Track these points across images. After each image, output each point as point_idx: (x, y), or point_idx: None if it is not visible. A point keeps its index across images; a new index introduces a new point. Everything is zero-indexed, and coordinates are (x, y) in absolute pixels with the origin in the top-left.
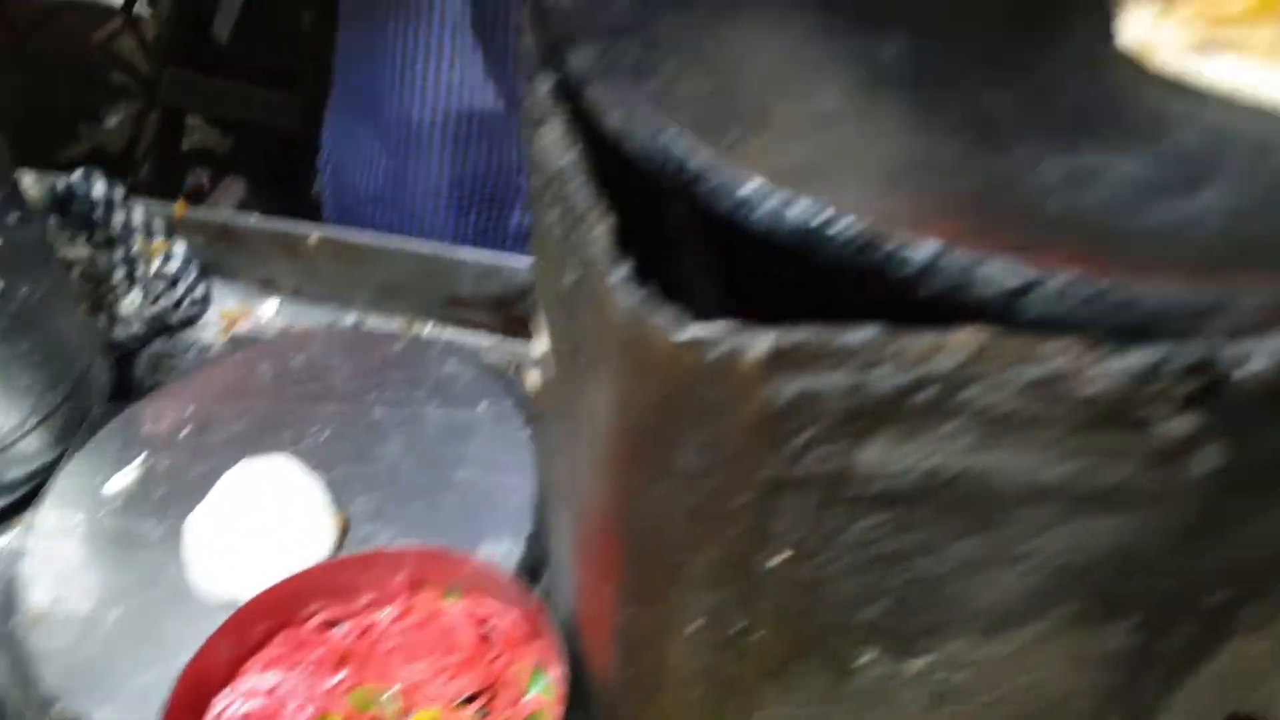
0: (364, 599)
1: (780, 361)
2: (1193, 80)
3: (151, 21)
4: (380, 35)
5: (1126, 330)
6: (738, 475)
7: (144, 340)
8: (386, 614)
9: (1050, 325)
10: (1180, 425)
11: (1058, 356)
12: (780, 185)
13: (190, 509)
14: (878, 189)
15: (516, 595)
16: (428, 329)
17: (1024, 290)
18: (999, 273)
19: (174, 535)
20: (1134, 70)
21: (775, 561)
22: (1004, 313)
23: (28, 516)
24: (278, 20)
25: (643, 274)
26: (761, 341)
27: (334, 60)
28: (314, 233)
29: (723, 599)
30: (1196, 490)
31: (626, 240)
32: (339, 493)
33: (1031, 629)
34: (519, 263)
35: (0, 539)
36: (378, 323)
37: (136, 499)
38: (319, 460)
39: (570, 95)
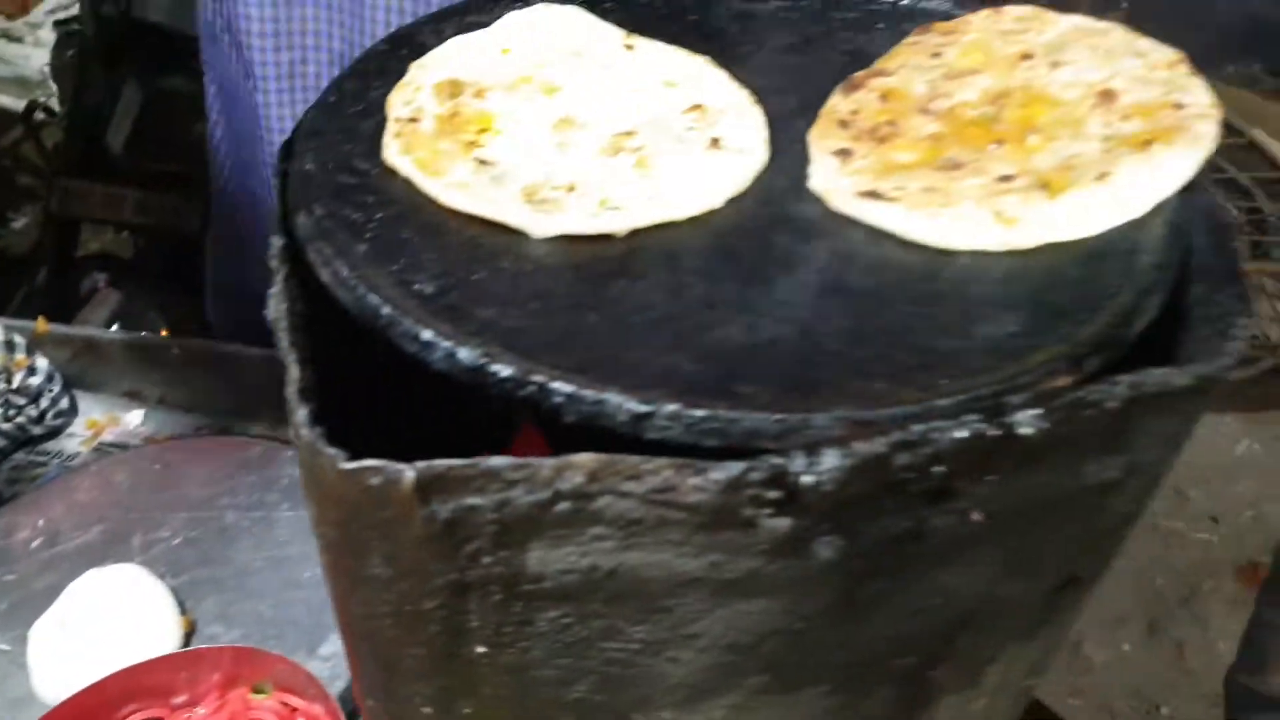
0: (180, 697)
1: (432, 486)
2: (862, 220)
3: (51, 127)
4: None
5: (729, 449)
6: (421, 581)
7: (5, 453)
8: (200, 711)
9: (671, 446)
10: (780, 523)
11: (659, 473)
12: (461, 336)
13: (36, 619)
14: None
15: (318, 692)
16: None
17: (642, 418)
18: (617, 405)
19: (20, 643)
20: (818, 209)
21: (477, 651)
22: (634, 436)
23: None
24: (171, 127)
25: (342, 410)
26: (409, 472)
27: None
28: (174, 345)
29: (443, 686)
30: (826, 576)
31: (336, 375)
32: (186, 596)
33: (728, 699)
34: None
35: None
36: (241, 428)
37: None
38: (168, 566)
39: (295, 252)
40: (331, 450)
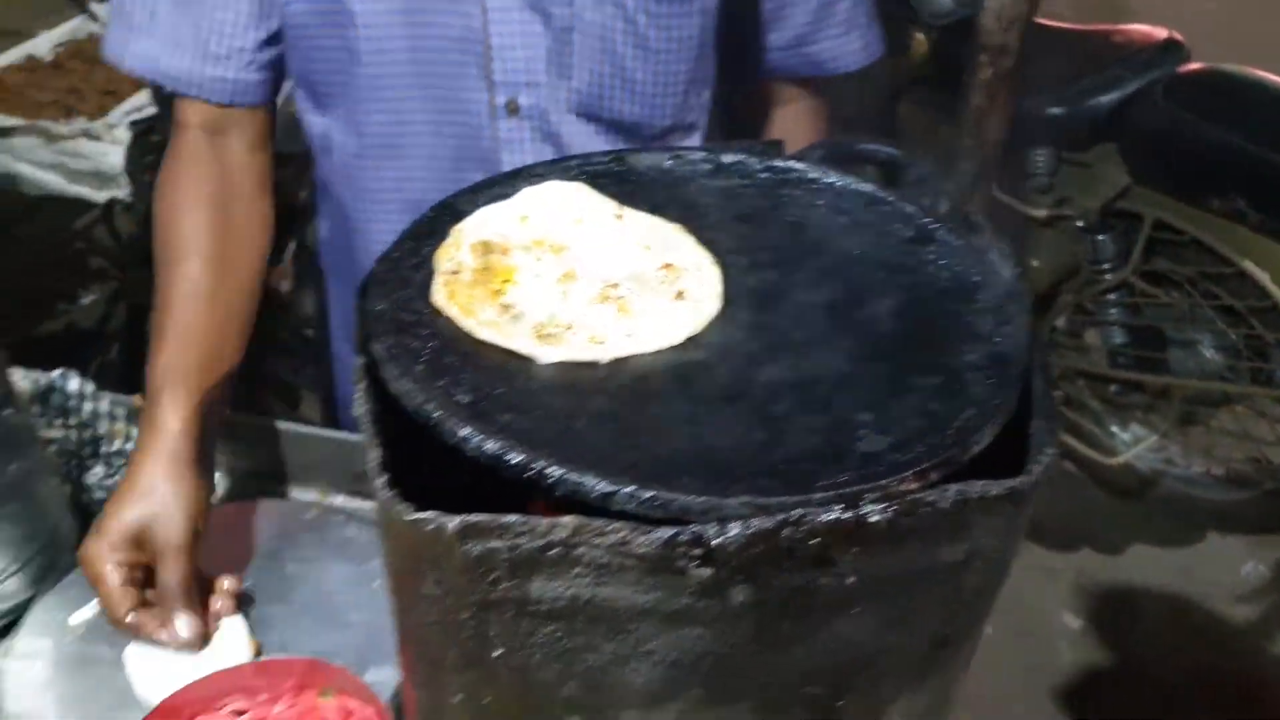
0: (262, 696)
1: (467, 532)
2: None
3: (125, 218)
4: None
5: (668, 517)
6: (459, 599)
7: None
8: (278, 707)
9: (629, 515)
10: (702, 572)
11: (619, 533)
12: (487, 435)
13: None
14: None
15: (371, 697)
16: (339, 500)
17: (609, 495)
18: (591, 485)
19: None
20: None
21: (495, 654)
22: (605, 506)
23: (6, 643)
24: None
25: (406, 477)
26: (453, 521)
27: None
28: (246, 422)
29: (470, 680)
30: (741, 614)
31: (406, 452)
32: (254, 628)
33: (676, 705)
34: None
35: None
36: (299, 494)
37: (94, 630)
38: (241, 602)
39: (372, 369)
40: (402, 505)
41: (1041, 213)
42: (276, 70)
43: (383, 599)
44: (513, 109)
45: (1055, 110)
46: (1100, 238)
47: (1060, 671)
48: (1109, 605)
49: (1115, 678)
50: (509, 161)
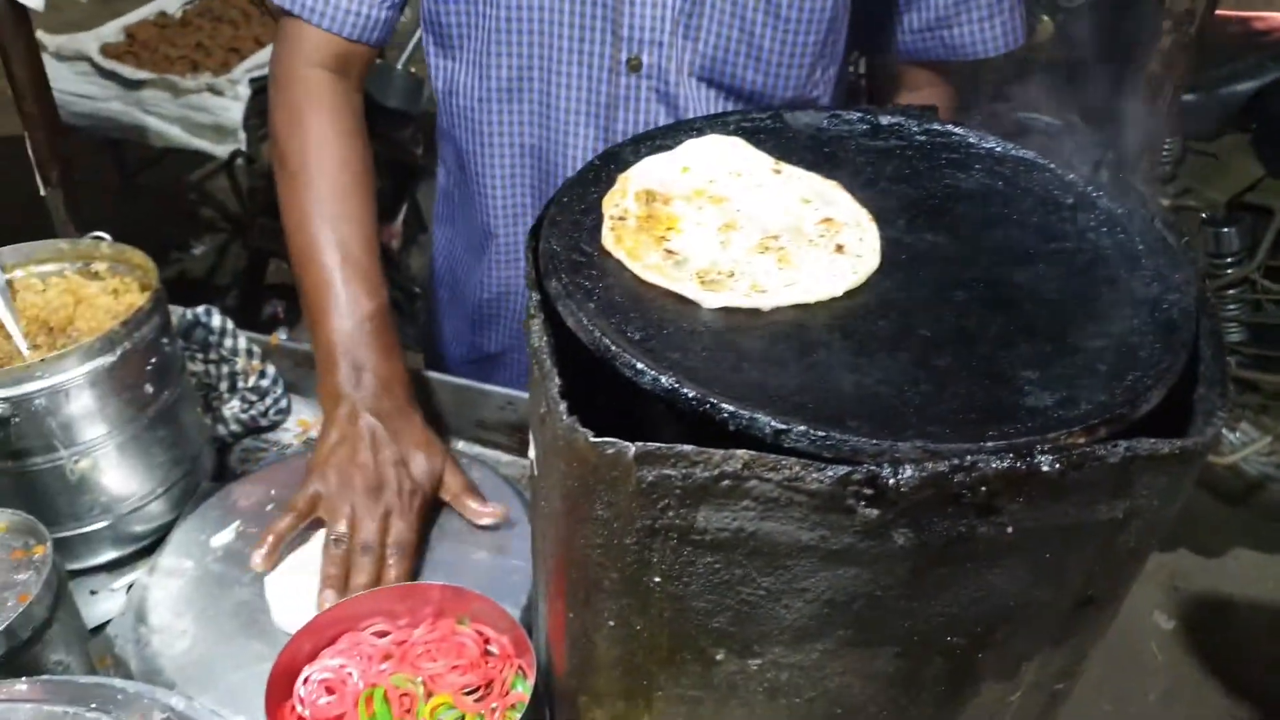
0: (403, 620)
1: (645, 458)
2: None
3: (245, 172)
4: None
5: (840, 457)
6: (627, 523)
7: (239, 436)
8: (419, 631)
9: (801, 452)
10: (871, 512)
11: (791, 468)
12: (661, 368)
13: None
14: (712, 379)
15: (508, 625)
16: (460, 445)
17: (781, 433)
18: (765, 422)
19: (258, 579)
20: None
21: (654, 581)
22: (777, 443)
23: (151, 560)
24: None
25: (581, 406)
26: (633, 447)
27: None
28: None
29: (625, 605)
30: (901, 557)
31: (578, 384)
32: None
33: (821, 644)
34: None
35: (132, 575)
36: None
37: (233, 552)
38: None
39: (549, 304)
40: (582, 429)
41: (1164, 202)
42: (398, 11)
43: (504, 539)
44: (634, 65)
45: (1188, 97)
46: (1225, 230)
47: (1149, 672)
48: (1203, 609)
49: (1205, 683)
50: (623, 119)
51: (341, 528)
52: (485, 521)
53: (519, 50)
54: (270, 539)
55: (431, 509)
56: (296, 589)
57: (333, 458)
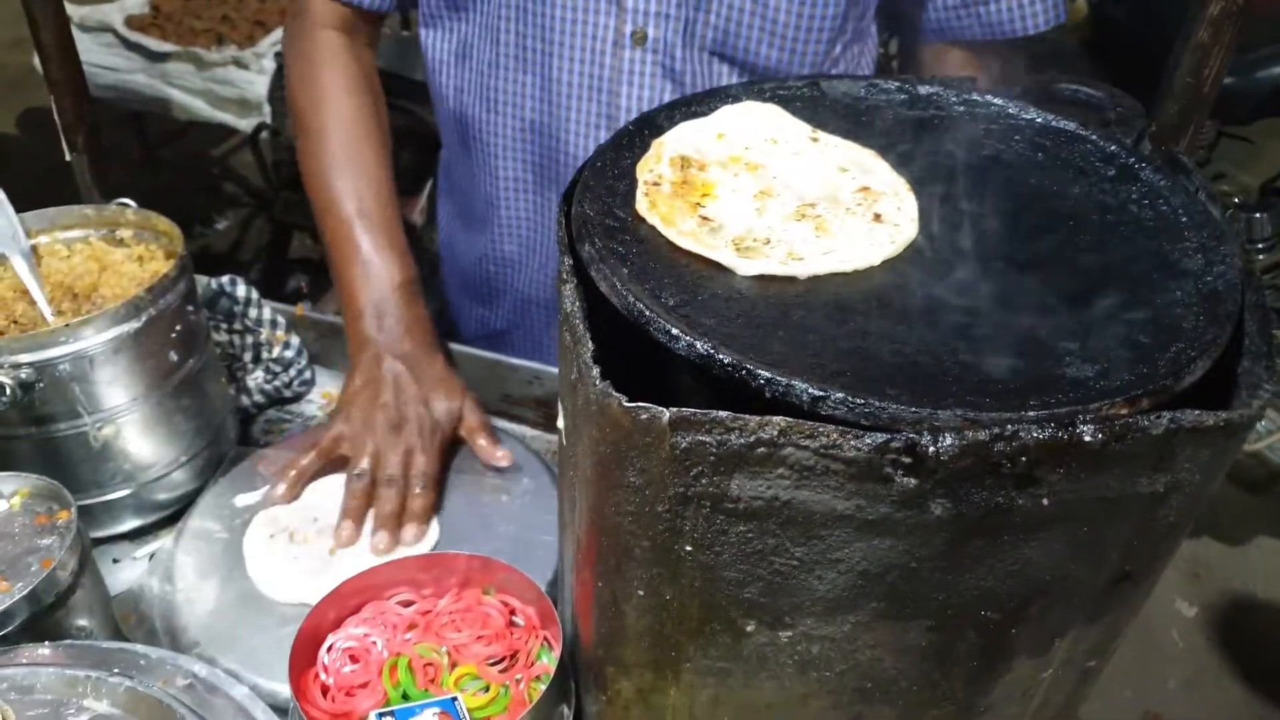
0: (428, 590)
1: (679, 424)
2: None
3: (269, 146)
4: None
5: (878, 425)
6: (659, 490)
7: (262, 407)
8: (444, 601)
9: (838, 419)
10: (909, 481)
11: (829, 435)
12: (696, 334)
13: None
14: (748, 345)
15: (535, 596)
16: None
17: (819, 400)
18: (802, 389)
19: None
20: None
21: (685, 549)
22: (813, 410)
23: (179, 525)
24: None
25: (612, 371)
26: (666, 413)
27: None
28: None
29: (655, 574)
30: (937, 528)
31: (607, 352)
32: None
33: (854, 617)
34: (556, 372)
35: (154, 544)
36: None
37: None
38: None
39: (581, 269)
40: (616, 394)
41: None
42: None
43: (530, 510)
44: (639, 39)
45: (1225, 80)
46: (1257, 215)
47: (1170, 659)
48: (1225, 597)
49: (1226, 671)
50: (625, 95)
51: (365, 464)
52: (497, 461)
53: (525, 18)
54: (292, 474)
55: (451, 447)
56: (273, 553)
57: (357, 399)
